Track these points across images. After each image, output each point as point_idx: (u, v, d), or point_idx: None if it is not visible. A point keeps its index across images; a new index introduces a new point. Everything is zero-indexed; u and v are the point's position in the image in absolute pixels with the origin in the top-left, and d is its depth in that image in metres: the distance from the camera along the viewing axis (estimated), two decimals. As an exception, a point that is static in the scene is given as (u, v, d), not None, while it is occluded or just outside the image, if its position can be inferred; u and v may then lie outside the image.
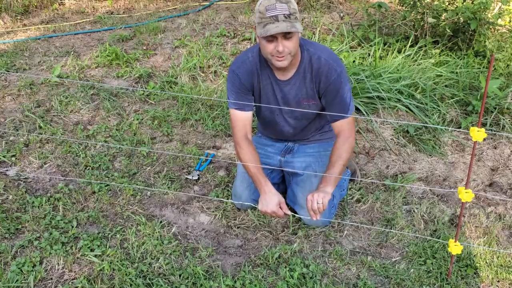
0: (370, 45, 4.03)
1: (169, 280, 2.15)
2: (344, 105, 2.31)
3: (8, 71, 3.99)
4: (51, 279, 2.14)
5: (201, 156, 3.01)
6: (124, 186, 2.72)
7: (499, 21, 4.06)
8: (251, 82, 2.36)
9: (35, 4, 5.72)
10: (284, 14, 2.06)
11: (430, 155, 3.09)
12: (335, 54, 2.35)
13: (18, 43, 4.57)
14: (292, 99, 2.38)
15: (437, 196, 2.77)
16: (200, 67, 4.00)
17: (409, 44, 3.96)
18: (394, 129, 3.27)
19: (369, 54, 3.92)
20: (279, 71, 2.32)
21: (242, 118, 2.39)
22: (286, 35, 2.10)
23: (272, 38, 2.11)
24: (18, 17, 5.38)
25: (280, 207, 2.29)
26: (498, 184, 2.88)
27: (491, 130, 3.24)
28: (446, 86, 3.61)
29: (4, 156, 2.95)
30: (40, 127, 3.25)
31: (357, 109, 3.31)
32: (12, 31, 4.97)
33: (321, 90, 2.32)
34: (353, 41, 4.21)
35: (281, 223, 2.52)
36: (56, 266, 2.20)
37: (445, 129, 3.24)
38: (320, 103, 2.39)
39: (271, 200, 2.29)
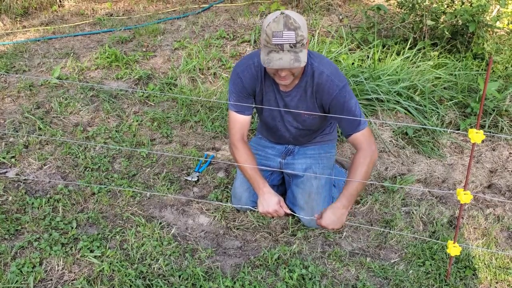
0: (369, 47, 4.04)
1: (168, 281, 2.16)
2: (353, 119, 2.25)
3: (7, 73, 3.99)
4: (51, 280, 2.15)
5: (201, 158, 3.02)
6: (123, 188, 2.73)
7: (498, 24, 4.07)
8: (254, 87, 2.34)
9: (35, 6, 5.73)
10: (290, 43, 2.00)
11: (429, 157, 3.10)
12: (338, 70, 2.30)
13: (17, 45, 4.58)
14: (293, 110, 2.37)
15: (436, 197, 2.77)
16: (199, 69, 4.00)
17: (408, 46, 3.98)
18: (393, 131, 3.28)
19: (368, 56, 3.93)
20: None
21: (241, 121, 2.39)
22: None
23: None
24: (18, 19, 5.38)
25: (281, 206, 2.30)
26: (497, 186, 2.89)
27: (490, 132, 3.25)
28: (444, 88, 3.62)
29: (3, 158, 2.95)
30: (40, 129, 3.25)
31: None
32: (11, 32, 4.98)
33: (324, 105, 2.29)
34: (352, 43, 4.23)
35: (280, 225, 2.53)
36: (56, 267, 2.20)
37: (444, 131, 3.25)
38: (322, 115, 2.36)
39: (270, 200, 2.30)
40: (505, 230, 2.54)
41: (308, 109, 2.34)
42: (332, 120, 2.33)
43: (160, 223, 2.50)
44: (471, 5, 3.95)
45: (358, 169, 2.22)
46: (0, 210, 2.53)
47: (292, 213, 2.40)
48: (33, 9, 5.70)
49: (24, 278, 2.13)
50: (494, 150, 3.18)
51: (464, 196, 1.96)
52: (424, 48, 4.03)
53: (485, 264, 2.29)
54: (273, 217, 2.47)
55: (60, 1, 5.93)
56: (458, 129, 3.29)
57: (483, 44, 3.91)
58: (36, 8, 5.73)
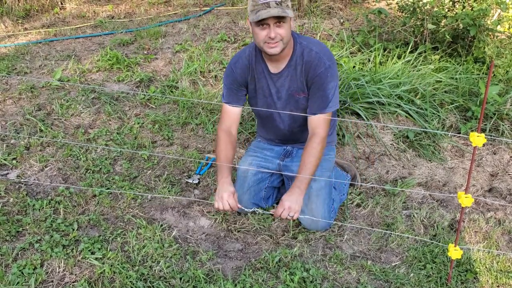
0: (370, 51, 4.05)
1: (169, 284, 2.16)
2: (325, 99, 2.33)
3: (9, 75, 4.00)
4: (52, 281, 2.15)
5: (202, 160, 3.02)
6: (124, 191, 2.73)
7: (499, 28, 4.08)
8: (245, 77, 2.43)
9: (36, 8, 5.75)
10: (275, 1, 2.15)
11: (430, 161, 3.10)
12: (328, 49, 2.39)
13: (19, 47, 4.59)
14: (285, 93, 2.43)
15: (436, 201, 2.77)
16: (200, 71, 4.01)
17: (408, 50, 3.99)
18: (394, 134, 3.28)
19: (369, 60, 3.94)
20: (272, 63, 2.38)
21: (229, 112, 2.49)
22: (278, 22, 2.18)
23: (264, 24, 2.18)
24: (19, 21, 5.40)
25: (234, 198, 2.32)
26: (498, 189, 2.89)
27: (491, 136, 3.26)
28: (445, 92, 3.63)
29: (5, 159, 2.95)
30: (41, 131, 3.26)
31: (357, 114, 3.32)
32: (13, 34, 4.99)
33: (308, 82, 2.36)
34: (353, 46, 4.23)
35: (281, 227, 2.53)
36: (57, 268, 2.20)
37: (445, 134, 3.25)
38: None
39: (226, 189, 2.32)
40: (506, 233, 2.54)
41: (298, 89, 2.40)
42: (309, 93, 2.39)
43: (161, 225, 2.50)
44: (472, 9, 3.96)
45: (316, 155, 2.32)
46: (1, 211, 2.53)
47: (242, 209, 2.41)
48: (34, 11, 5.72)
49: (25, 279, 2.13)
50: (495, 153, 3.18)
51: (465, 199, 1.96)
52: (425, 51, 4.04)
53: (486, 267, 2.28)
54: (225, 210, 2.37)
55: (61, 4, 5.95)
56: (459, 133, 3.29)
57: (484, 48, 3.92)
58: (37, 10, 5.74)
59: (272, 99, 2.45)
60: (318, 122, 2.36)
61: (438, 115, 3.38)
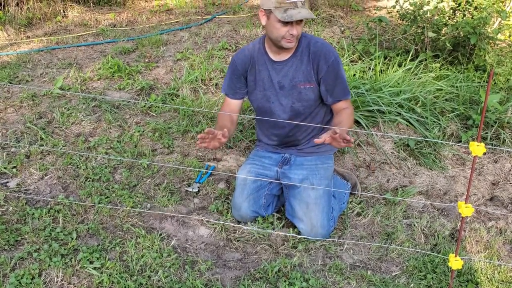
0: (371, 59, 4.05)
1: (168, 294, 2.15)
2: (345, 86, 2.47)
3: (10, 83, 4.01)
4: (50, 291, 2.14)
5: (202, 169, 3.01)
6: (122, 200, 2.72)
7: (499, 36, 4.08)
8: (245, 67, 2.54)
9: (39, 16, 5.78)
10: (301, 1, 2.30)
11: (431, 169, 3.09)
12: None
13: (21, 55, 4.61)
14: (289, 83, 2.48)
15: (437, 210, 2.76)
16: (201, 79, 4.02)
17: (409, 58, 3.99)
18: (395, 143, 3.27)
19: (369, 68, 3.94)
20: (277, 55, 2.47)
21: (228, 101, 2.65)
22: (299, 21, 2.30)
23: (287, 22, 2.28)
24: (22, 29, 5.42)
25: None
26: (499, 198, 2.87)
27: (492, 144, 3.24)
28: (446, 100, 3.62)
29: (5, 168, 2.95)
30: (42, 139, 3.26)
31: (357, 122, 3.31)
32: (15, 43, 5.01)
33: (320, 72, 2.44)
34: (353, 54, 4.24)
35: (281, 237, 2.51)
36: (55, 278, 2.19)
37: (446, 143, 3.24)
38: (318, 87, 2.47)
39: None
40: (508, 243, 2.52)
41: (304, 79, 2.46)
42: (325, 85, 2.46)
43: (160, 234, 2.49)
44: (472, 17, 3.97)
45: (345, 114, 2.42)
46: (0, 220, 2.53)
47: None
48: (37, 19, 5.75)
49: (23, 289, 2.13)
50: (496, 162, 3.16)
51: (466, 209, 1.95)
52: (425, 59, 4.04)
53: (487, 278, 2.27)
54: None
55: (64, 12, 5.98)
56: (460, 141, 3.28)
57: (485, 56, 3.91)
58: (40, 18, 5.77)
59: (273, 90, 2.51)
60: (344, 104, 2.47)
61: (439, 123, 3.38)
